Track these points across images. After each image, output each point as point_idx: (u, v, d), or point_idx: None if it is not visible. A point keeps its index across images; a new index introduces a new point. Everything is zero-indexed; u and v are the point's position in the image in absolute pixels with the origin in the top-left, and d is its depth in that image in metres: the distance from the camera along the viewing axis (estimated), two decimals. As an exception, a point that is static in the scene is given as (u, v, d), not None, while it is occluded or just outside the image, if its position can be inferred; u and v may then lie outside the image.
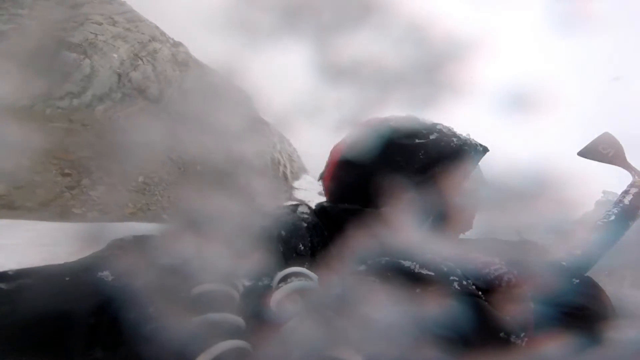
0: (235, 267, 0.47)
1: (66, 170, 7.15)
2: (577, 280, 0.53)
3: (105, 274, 0.41)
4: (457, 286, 0.48)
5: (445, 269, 0.50)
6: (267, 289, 0.47)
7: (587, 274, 0.59)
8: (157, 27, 10.81)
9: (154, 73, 9.82)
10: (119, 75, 9.32)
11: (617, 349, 0.46)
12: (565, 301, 0.49)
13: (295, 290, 0.46)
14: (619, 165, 0.82)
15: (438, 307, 0.44)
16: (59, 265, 0.43)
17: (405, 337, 0.43)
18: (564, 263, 0.60)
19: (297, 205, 0.64)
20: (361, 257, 0.51)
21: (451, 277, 0.49)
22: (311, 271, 0.49)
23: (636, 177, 0.78)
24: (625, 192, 0.75)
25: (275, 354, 0.41)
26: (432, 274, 0.48)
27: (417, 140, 0.62)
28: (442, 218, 0.61)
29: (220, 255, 0.47)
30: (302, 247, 0.55)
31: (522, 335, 0.46)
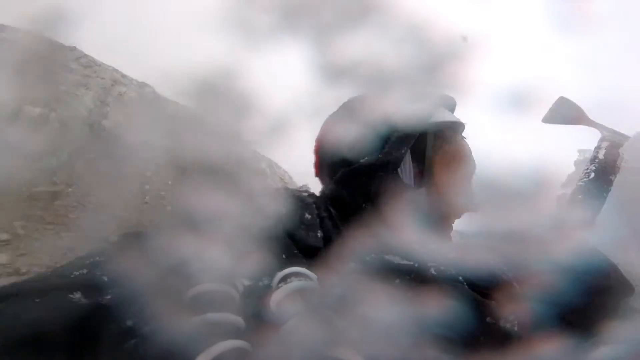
0: (235, 266, 0.47)
1: (63, 234, 6.89)
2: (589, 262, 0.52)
3: (77, 297, 0.39)
4: (451, 284, 0.48)
5: (440, 267, 0.50)
6: (267, 289, 0.47)
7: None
8: (115, 70, 9.92)
9: (125, 117, 9.00)
10: (91, 126, 8.55)
11: (619, 349, 0.46)
12: (567, 300, 0.49)
13: (295, 290, 0.46)
14: (584, 124, 0.84)
15: (435, 306, 0.44)
16: (29, 284, 0.42)
17: (405, 336, 0.42)
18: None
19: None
20: (356, 254, 0.51)
21: (446, 275, 0.49)
22: (311, 271, 0.49)
23: (604, 132, 0.80)
24: (598, 147, 0.77)
25: (275, 354, 0.41)
26: (425, 270, 0.49)
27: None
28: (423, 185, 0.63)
29: (220, 255, 0.47)
30: (309, 217, 0.55)
31: (515, 324, 0.45)
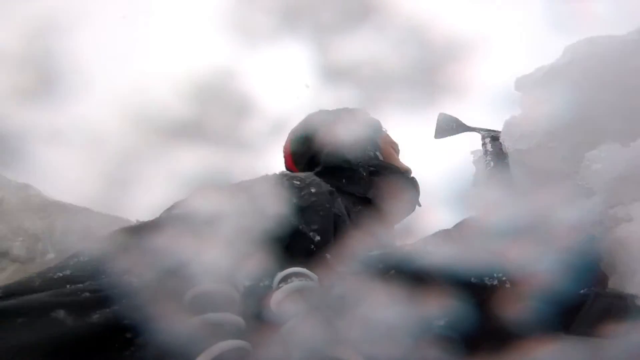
0: (236, 267, 0.47)
1: None
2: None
3: (61, 316, 0.36)
4: (451, 282, 0.48)
5: (449, 267, 0.50)
6: (268, 289, 0.47)
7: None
8: (-10, 169, 7.70)
9: (9, 227, 7.06)
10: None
11: (618, 350, 0.46)
12: (567, 297, 0.49)
13: (296, 290, 0.46)
14: (465, 131, 1.04)
15: (435, 305, 0.44)
16: (9, 301, 0.38)
17: (405, 336, 0.43)
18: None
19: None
20: (356, 254, 0.51)
21: (446, 273, 0.49)
22: (311, 271, 0.49)
23: (481, 132, 1.00)
24: (484, 144, 0.96)
25: (275, 354, 0.41)
26: (435, 271, 0.49)
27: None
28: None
29: (220, 256, 0.47)
30: (298, 182, 0.63)
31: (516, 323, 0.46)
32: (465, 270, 0.51)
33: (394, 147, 0.97)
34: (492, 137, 0.96)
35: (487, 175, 0.90)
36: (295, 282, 0.47)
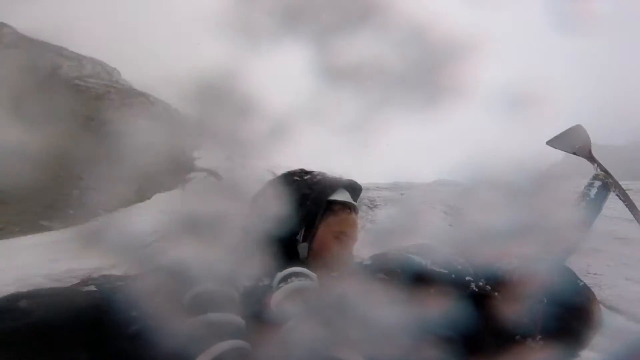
0: (236, 267, 0.47)
1: None
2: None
3: (90, 288, 0.46)
4: (473, 287, 0.48)
5: (459, 267, 0.50)
6: (268, 289, 0.47)
7: None
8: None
9: None
10: None
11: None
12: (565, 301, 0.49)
13: (296, 290, 0.46)
14: (583, 157, 0.87)
15: (435, 306, 0.44)
16: (62, 288, 0.49)
17: (405, 336, 0.42)
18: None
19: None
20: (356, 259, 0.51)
21: (466, 277, 0.49)
22: (311, 271, 0.49)
23: (598, 169, 0.83)
24: (590, 185, 0.80)
25: (275, 354, 0.41)
26: (445, 272, 0.49)
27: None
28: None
29: (220, 256, 0.47)
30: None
31: (536, 336, 0.46)
32: (464, 272, 0.51)
33: (341, 235, 0.73)
34: (603, 183, 0.80)
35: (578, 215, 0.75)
36: (295, 282, 0.47)
